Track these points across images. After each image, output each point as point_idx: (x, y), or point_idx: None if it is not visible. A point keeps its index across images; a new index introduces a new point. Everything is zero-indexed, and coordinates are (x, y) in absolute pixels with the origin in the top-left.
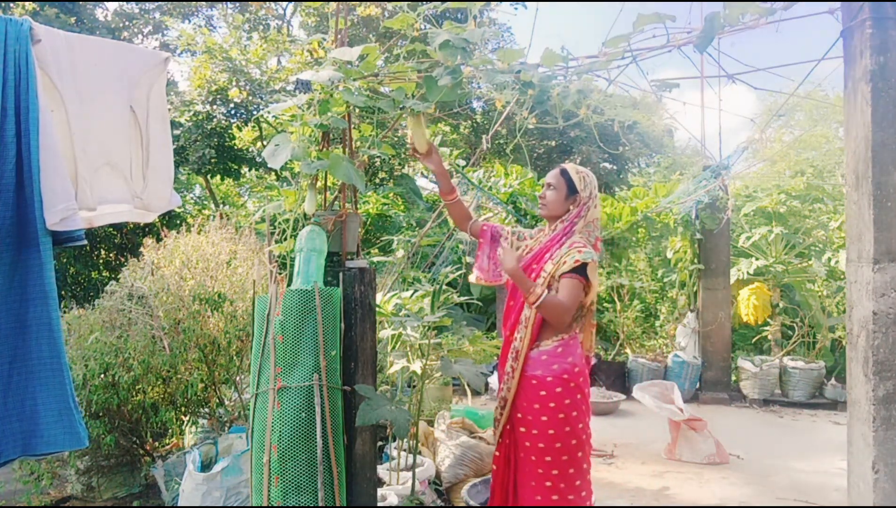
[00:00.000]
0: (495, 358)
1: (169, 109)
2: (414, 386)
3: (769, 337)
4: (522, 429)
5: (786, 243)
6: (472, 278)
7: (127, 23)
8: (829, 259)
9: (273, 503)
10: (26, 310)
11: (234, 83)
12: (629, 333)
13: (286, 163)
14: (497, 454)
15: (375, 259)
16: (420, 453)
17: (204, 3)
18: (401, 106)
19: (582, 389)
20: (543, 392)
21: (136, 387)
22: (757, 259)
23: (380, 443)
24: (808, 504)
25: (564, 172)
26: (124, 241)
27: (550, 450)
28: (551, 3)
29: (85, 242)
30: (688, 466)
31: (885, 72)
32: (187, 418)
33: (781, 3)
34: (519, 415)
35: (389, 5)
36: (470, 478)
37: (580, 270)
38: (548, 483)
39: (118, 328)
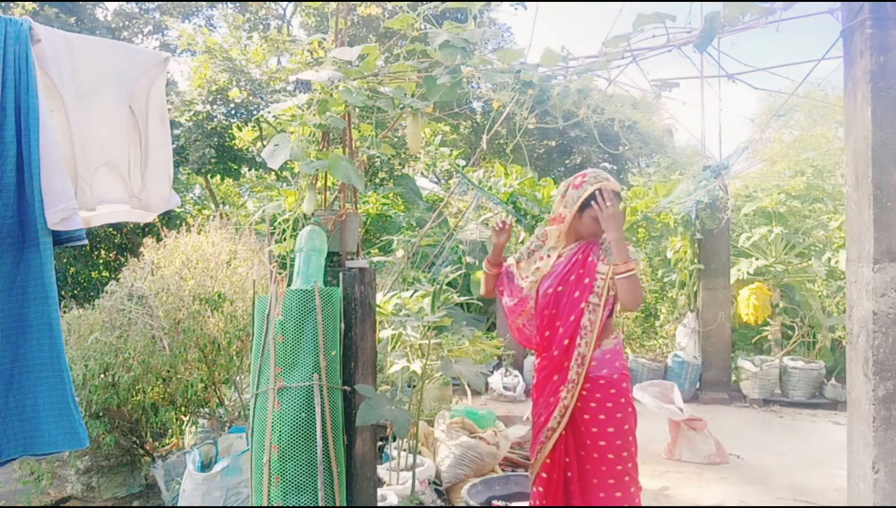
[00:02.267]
0: (495, 358)
1: (169, 109)
2: (414, 386)
3: (769, 337)
4: (595, 429)
5: (786, 243)
6: (515, 325)
7: (127, 23)
8: (829, 259)
9: (273, 503)
10: (27, 310)
11: (234, 83)
12: (629, 333)
13: (286, 163)
14: (548, 461)
15: (375, 259)
16: (420, 453)
17: (204, 3)
18: (400, 106)
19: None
20: (613, 391)
21: (136, 387)
22: (757, 259)
23: (380, 443)
24: (808, 504)
25: (586, 207)
26: (124, 241)
27: (613, 448)
28: (551, 3)
29: (85, 242)
30: (688, 466)
31: (885, 72)
32: (187, 418)
33: (781, 3)
34: (586, 416)
35: (389, 5)
36: (470, 478)
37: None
38: (610, 481)
39: (118, 328)
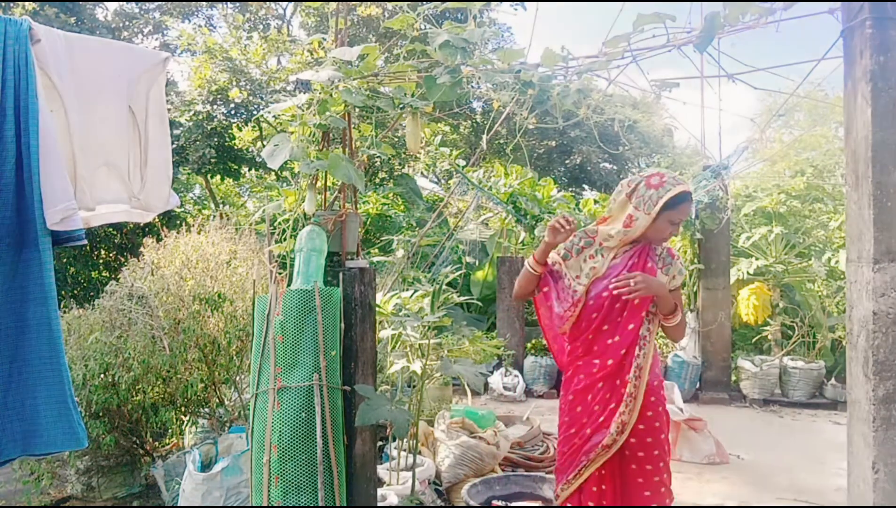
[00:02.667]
0: (495, 358)
1: (169, 109)
2: (414, 386)
3: (769, 337)
4: (633, 440)
5: (786, 243)
6: (560, 330)
7: (127, 23)
8: (829, 259)
9: (273, 503)
10: (26, 310)
11: (234, 83)
12: None
13: (286, 163)
14: (601, 473)
15: (375, 259)
16: (420, 453)
17: (204, 3)
18: (400, 106)
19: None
20: (653, 398)
21: (136, 387)
22: (757, 259)
23: (380, 443)
24: (808, 504)
25: (665, 209)
26: (124, 241)
27: (651, 458)
28: (551, 3)
29: (85, 242)
30: (688, 466)
31: (885, 72)
32: (187, 418)
33: (781, 3)
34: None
35: (389, 5)
36: (470, 478)
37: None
38: (647, 493)
39: (118, 328)
